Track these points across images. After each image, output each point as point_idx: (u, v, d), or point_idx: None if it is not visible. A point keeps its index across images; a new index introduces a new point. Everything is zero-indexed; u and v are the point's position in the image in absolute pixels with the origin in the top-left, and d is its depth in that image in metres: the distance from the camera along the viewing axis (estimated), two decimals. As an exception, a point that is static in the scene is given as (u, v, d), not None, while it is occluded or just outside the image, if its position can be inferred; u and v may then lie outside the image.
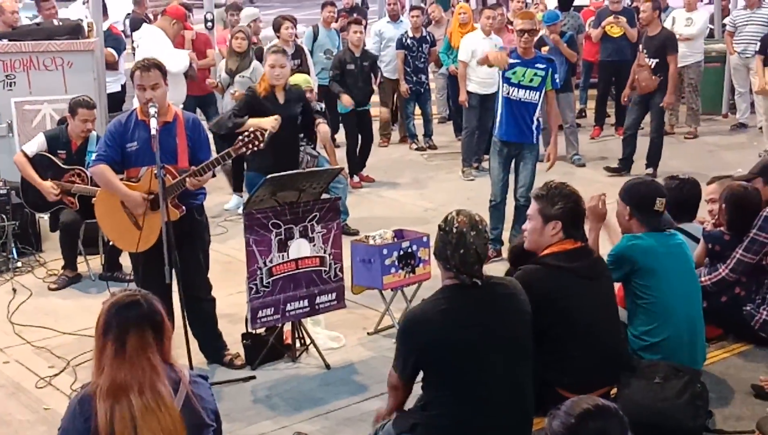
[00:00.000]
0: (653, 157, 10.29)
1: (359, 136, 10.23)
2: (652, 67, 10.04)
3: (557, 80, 7.67)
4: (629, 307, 4.98)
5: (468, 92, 10.04)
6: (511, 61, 7.49)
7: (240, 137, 5.45)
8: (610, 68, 11.93)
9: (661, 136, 10.38)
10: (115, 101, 9.90)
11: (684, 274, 4.95)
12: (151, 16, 11.01)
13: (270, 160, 6.45)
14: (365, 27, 13.57)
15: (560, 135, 11.14)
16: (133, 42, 10.78)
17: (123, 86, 10.61)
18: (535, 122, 7.57)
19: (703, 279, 5.68)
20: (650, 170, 10.11)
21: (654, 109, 10.18)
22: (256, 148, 5.44)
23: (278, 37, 9.73)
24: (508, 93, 7.54)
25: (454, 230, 3.90)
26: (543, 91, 7.52)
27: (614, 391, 4.63)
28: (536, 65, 7.48)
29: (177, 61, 9.05)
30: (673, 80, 10.13)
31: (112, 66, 9.73)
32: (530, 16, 7.85)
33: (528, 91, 7.49)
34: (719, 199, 5.99)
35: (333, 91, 10.11)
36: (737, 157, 10.61)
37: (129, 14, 12.42)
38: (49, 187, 7.19)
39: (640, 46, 10.47)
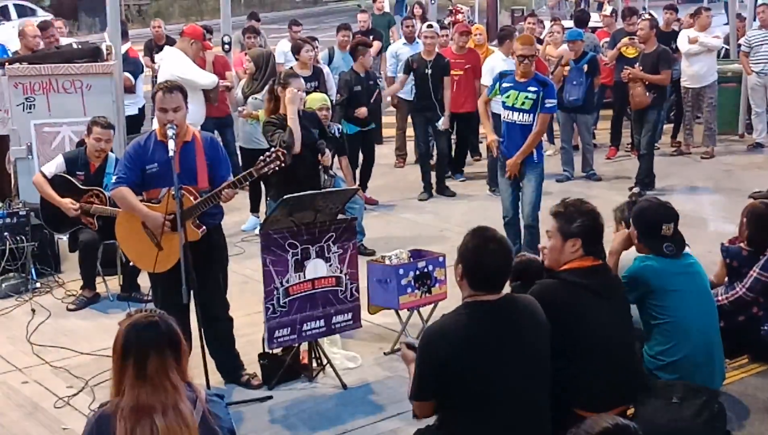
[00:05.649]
0: (643, 174, 10.35)
1: (360, 157, 10.15)
2: (646, 83, 10.36)
3: (548, 105, 7.56)
4: (645, 328, 4.98)
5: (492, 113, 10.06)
6: (505, 84, 7.63)
7: (261, 157, 5.46)
8: (626, 89, 11.94)
9: (651, 153, 10.57)
10: (133, 124, 9.98)
11: (699, 293, 4.94)
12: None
13: (292, 189, 6.36)
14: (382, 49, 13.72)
15: (577, 154, 11.32)
16: (154, 63, 10.84)
17: (141, 109, 10.70)
18: None
19: (720, 298, 5.67)
20: (637, 189, 10.15)
21: (647, 124, 10.40)
22: (277, 168, 5.45)
23: (297, 59, 9.78)
24: (505, 116, 7.70)
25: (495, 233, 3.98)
26: (537, 114, 7.54)
27: (631, 410, 4.61)
28: (528, 88, 7.55)
29: (207, 75, 9.13)
30: (659, 82, 10.44)
31: (128, 89, 9.82)
32: (530, 41, 7.87)
33: (521, 114, 7.57)
34: (742, 214, 6.00)
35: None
36: (754, 177, 10.58)
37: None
38: (68, 204, 7.24)
39: (637, 63, 10.73)
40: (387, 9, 16.20)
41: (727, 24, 14.92)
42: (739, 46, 13.07)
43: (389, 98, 11.69)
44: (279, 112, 6.69)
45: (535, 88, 7.53)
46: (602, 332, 4.40)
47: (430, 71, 10.25)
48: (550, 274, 4.65)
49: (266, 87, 9.15)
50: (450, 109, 10.40)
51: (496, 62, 10.21)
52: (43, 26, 10.20)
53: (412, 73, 10.39)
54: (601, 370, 4.36)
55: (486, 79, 10.11)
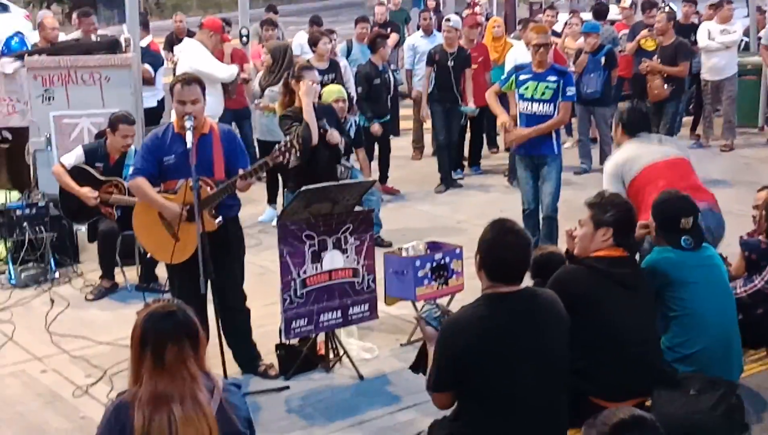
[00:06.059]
0: None
1: (376, 148, 10.20)
2: (665, 75, 10.47)
3: (569, 93, 7.53)
4: (663, 320, 4.96)
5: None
6: (523, 77, 7.56)
7: (277, 147, 5.45)
8: (644, 81, 11.87)
9: None
10: (152, 116, 10.01)
11: (717, 285, 4.92)
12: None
13: (309, 181, 6.36)
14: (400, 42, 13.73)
15: (594, 147, 11.27)
16: (173, 55, 10.85)
17: (160, 101, 10.75)
18: (554, 134, 7.58)
19: (738, 290, 5.64)
20: None
21: (665, 117, 10.47)
22: (292, 158, 5.45)
23: (314, 51, 9.80)
24: (523, 108, 7.61)
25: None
26: (557, 103, 7.51)
27: (649, 402, 4.60)
28: (547, 78, 7.50)
29: (225, 68, 9.15)
30: (677, 74, 10.63)
31: (148, 81, 9.85)
32: (544, 30, 7.84)
33: (541, 104, 7.50)
34: (761, 206, 5.97)
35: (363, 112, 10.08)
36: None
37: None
38: (87, 193, 7.28)
39: (655, 56, 10.75)
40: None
41: (747, 16, 14.81)
42: (759, 39, 12.98)
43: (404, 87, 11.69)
44: (294, 105, 6.69)
45: (555, 78, 7.49)
46: (622, 322, 4.40)
47: (452, 63, 10.24)
48: (575, 260, 4.66)
49: (282, 80, 9.22)
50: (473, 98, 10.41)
51: (519, 53, 10.13)
52: (85, 13, 10.23)
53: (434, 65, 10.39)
54: (618, 360, 4.36)
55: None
